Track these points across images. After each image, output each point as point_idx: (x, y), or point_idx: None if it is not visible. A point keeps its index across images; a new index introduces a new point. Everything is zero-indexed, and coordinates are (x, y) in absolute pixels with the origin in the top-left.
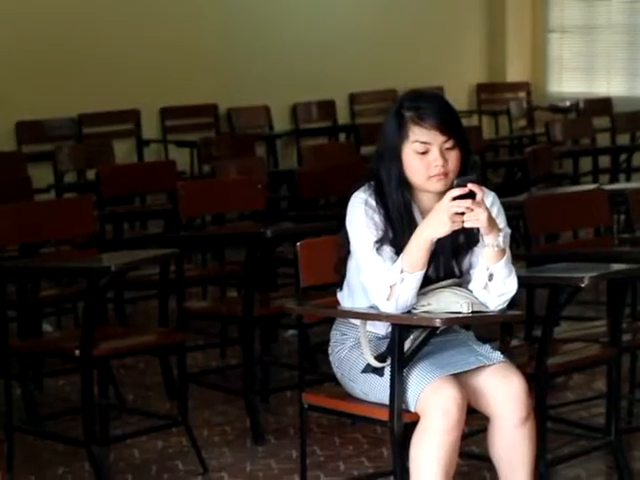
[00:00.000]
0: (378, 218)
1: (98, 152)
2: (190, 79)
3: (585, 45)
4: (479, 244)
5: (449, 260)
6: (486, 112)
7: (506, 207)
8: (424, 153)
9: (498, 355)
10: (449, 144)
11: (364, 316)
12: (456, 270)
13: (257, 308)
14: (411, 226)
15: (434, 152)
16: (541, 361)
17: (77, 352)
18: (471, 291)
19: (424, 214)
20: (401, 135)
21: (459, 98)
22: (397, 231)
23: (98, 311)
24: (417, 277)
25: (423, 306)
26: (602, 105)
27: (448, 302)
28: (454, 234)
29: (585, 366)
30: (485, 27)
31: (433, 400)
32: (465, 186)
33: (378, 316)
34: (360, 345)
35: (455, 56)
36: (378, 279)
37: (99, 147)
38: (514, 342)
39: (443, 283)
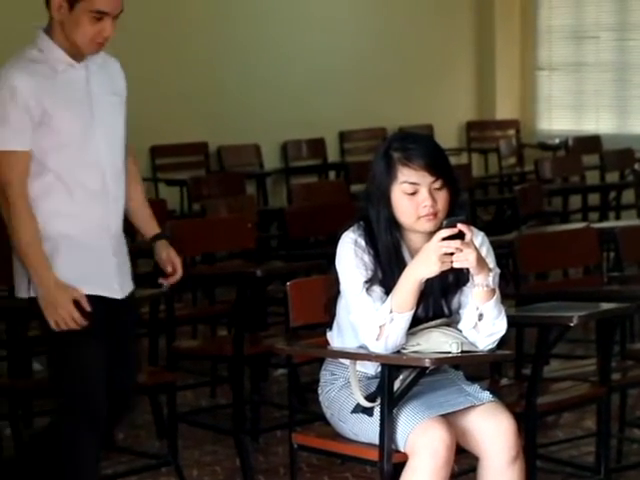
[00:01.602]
0: (367, 258)
1: None
2: (180, 117)
3: (574, 83)
4: (469, 284)
5: (438, 300)
6: (476, 150)
7: (495, 246)
8: (413, 194)
9: (487, 395)
10: (438, 184)
11: (354, 356)
12: (445, 310)
13: (247, 347)
14: (400, 266)
15: (423, 193)
16: (531, 400)
17: None
18: (460, 331)
19: (413, 254)
20: (390, 176)
21: (449, 136)
22: (386, 271)
23: None
24: (406, 317)
25: (412, 346)
26: (591, 143)
27: (437, 342)
28: (443, 274)
29: (575, 405)
30: (474, 65)
31: (422, 441)
32: (454, 226)
33: (367, 356)
34: (350, 385)
35: (445, 94)
36: (367, 319)
37: None
38: (504, 381)
39: (432, 323)
